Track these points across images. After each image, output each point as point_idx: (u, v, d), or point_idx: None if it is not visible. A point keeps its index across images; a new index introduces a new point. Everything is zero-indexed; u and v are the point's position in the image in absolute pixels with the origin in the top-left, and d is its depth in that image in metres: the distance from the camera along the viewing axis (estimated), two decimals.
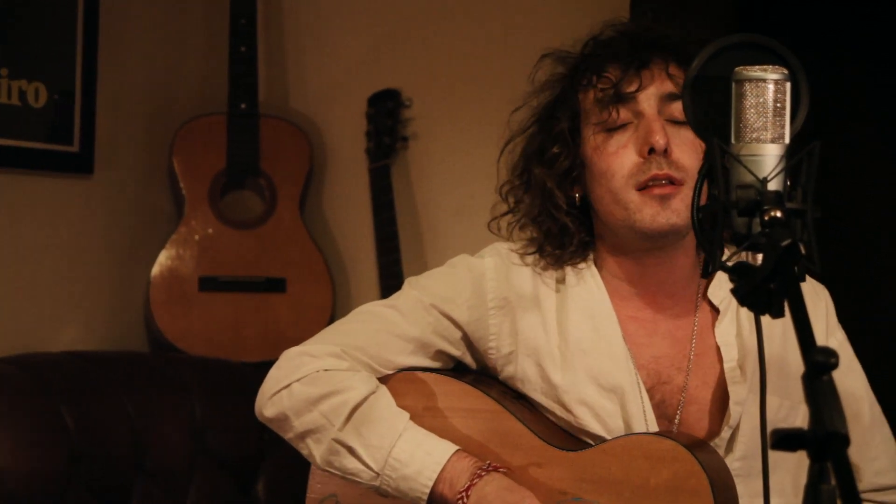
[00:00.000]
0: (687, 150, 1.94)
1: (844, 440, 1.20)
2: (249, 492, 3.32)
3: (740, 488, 1.92)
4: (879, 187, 3.13)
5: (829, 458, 1.21)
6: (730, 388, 1.98)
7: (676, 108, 1.95)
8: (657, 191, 1.92)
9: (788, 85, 1.55)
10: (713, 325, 2.02)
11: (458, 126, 3.72)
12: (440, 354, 2.06)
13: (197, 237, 3.63)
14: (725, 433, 1.97)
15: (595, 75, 1.99)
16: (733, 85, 1.55)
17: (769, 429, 1.93)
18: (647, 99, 1.96)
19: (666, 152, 1.92)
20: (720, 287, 2.02)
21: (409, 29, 3.80)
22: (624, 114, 1.96)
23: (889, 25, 3.10)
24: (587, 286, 2.02)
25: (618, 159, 1.95)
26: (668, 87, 1.96)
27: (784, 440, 1.22)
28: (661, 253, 1.99)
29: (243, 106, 3.63)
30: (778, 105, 1.54)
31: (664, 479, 1.87)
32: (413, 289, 2.06)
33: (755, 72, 1.54)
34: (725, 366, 1.99)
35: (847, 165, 3.03)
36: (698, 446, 1.92)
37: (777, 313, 1.43)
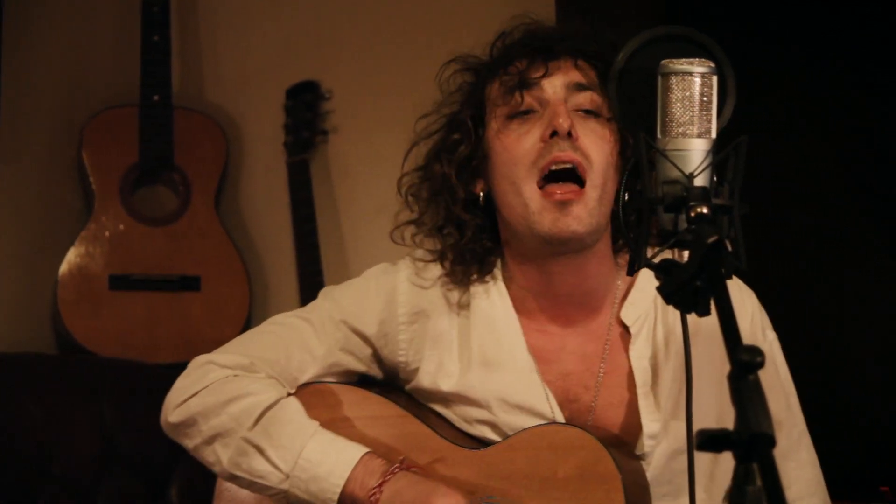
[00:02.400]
0: (594, 140, 1.90)
1: (770, 441, 1.18)
2: (162, 497, 3.28)
3: None
4: (807, 183, 3.15)
5: (754, 460, 1.19)
6: (643, 421, 1.94)
7: (584, 98, 1.91)
8: (558, 195, 1.88)
9: (715, 79, 1.54)
10: (626, 347, 1.98)
11: (379, 119, 3.70)
12: (345, 373, 2.04)
13: (107, 234, 3.57)
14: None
15: (502, 66, 1.96)
16: (659, 78, 1.54)
17: (679, 453, 1.91)
18: (553, 86, 1.92)
19: (571, 136, 1.88)
20: (634, 306, 1.98)
21: (328, 19, 3.76)
22: (528, 101, 1.92)
23: (816, 18, 3.12)
24: (491, 300, 1.99)
25: (519, 145, 1.91)
26: (576, 76, 1.93)
27: (709, 441, 1.20)
28: (568, 260, 1.94)
29: (156, 98, 3.58)
30: (704, 99, 1.53)
31: (571, 468, 1.87)
32: (327, 301, 2.04)
33: (681, 65, 1.53)
34: (638, 391, 1.95)
35: (775, 161, 3.04)
36: (606, 438, 1.91)
37: (703, 311, 1.42)
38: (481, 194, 1.98)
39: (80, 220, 3.59)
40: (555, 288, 1.96)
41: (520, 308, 1.98)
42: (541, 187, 1.89)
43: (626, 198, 1.58)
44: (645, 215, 1.51)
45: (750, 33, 3.13)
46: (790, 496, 1.97)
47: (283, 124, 3.72)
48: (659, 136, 1.53)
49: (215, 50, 3.80)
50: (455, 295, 2.00)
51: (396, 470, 1.90)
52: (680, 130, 1.52)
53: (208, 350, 2.04)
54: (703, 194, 1.49)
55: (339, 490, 1.90)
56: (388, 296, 2.01)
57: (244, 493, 2.00)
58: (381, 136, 3.67)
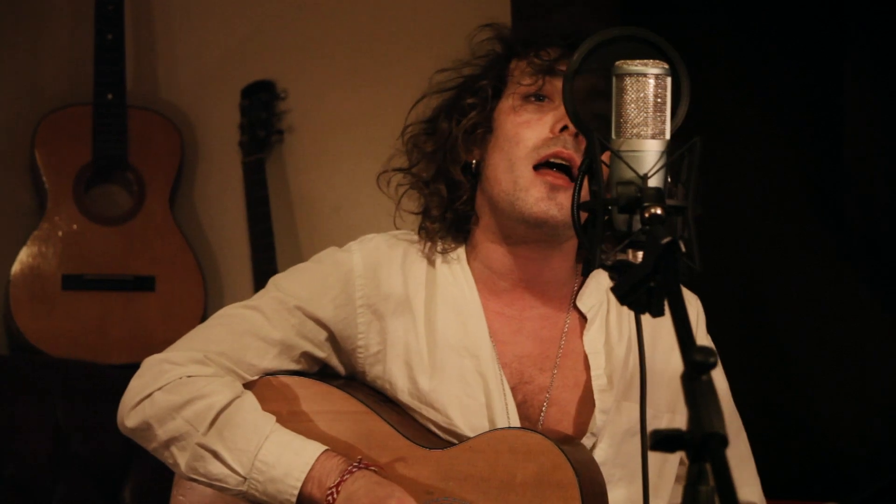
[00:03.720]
0: None
1: (723, 440, 1.19)
2: (115, 498, 3.26)
3: None
4: (758, 184, 3.18)
5: (707, 459, 1.19)
6: (596, 396, 1.97)
7: (597, 107, 1.92)
8: (550, 177, 1.91)
9: (669, 80, 1.54)
10: (581, 332, 2.01)
11: (335, 119, 3.69)
12: (305, 357, 2.01)
13: (60, 233, 3.54)
14: (588, 440, 1.96)
15: (533, 48, 1.98)
16: (613, 79, 1.54)
17: (631, 435, 1.93)
18: None
19: (577, 137, 1.91)
20: (590, 295, 2.01)
21: (284, 18, 3.74)
22: (549, 88, 1.94)
23: (769, 18, 3.14)
24: (457, 280, 2.00)
25: (528, 129, 1.94)
26: (600, 83, 1.95)
27: (663, 441, 1.21)
28: (537, 247, 1.97)
29: (110, 96, 3.56)
30: (658, 100, 1.53)
31: (530, 474, 1.87)
32: (277, 289, 2.02)
33: (635, 66, 1.53)
34: (592, 373, 1.98)
35: (728, 162, 3.06)
36: (566, 441, 1.92)
37: (657, 312, 1.42)
38: (474, 162, 1.99)
39: (33, 219, 3.57)
40: (518, 272, 1.98)
41: (482, 288, 2.00)
42: (535, 168, 1.92)
43: (581, 198, 1.58)
44: (599, 216, 1.52)
45: (704, 34, 3.15)
46: None
47: (239, 124, 3.70)
48: (613, 136, 1.53)
49: (170, 49, 3.78)
50: (420, 277, 1.99)
51: (354, 469, 1.89)
52: (634, 131, 1.52)
53: (163, 350, 2.02)
54: (658, 195, 1.49)
55: (296, 491, 1.89)
56: (345, 277, 1.99)
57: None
58: (337, 136, 3.67)
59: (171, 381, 1.94)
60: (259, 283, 3.57)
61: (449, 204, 1.99)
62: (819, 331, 3.11)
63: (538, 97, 1.95)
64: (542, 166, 1.92)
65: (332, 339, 2.00)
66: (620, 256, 1.51)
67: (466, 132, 1.98)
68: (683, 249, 1.48)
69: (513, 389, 1.97)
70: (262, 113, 3.66)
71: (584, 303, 2.01)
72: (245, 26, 3.76)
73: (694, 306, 2.06)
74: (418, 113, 2.04)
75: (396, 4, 3.67)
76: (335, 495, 1.87)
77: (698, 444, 1.19)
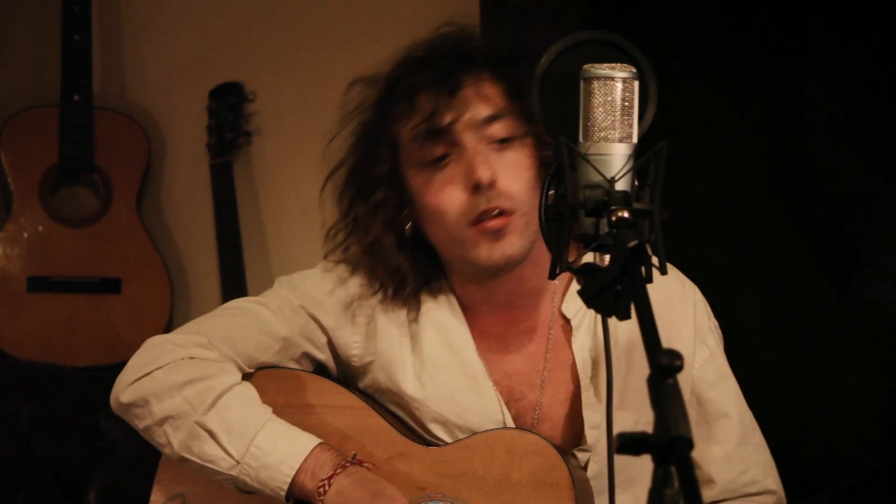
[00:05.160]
0: (513, 175, 1.91)
1: (688, 444, 1.19)
2: (81, 500, 3.22)
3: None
4: (723, 184, 3.19)
5: (673, 463, 1.20)
6: (584, 413, 1.97)
7: (497, 129, 1.91)
8: (490, 224, 1.89)
9: (636, 84, 1.55)
10: (568, 339, 2.01)
11: (303, 121, 3.68)
12: (305, 357, 2.03)
13: (26, 235, 3.52)
14: (582, 455, 1.97)
15: (407, 107, 1.94)
16: (581, 83, 1.55)
17: None
18: (465, 129, 1.91)
19: (492, 184, 1.89)
20: (574, 299, 2.00)
21: (253, 20, 3.74)
22: (442, 148, 1.92)
23: (737, 22, 3.16)
24: (439, 304, 2.01)
25: (446, 197, 1.91)
26: (484, 110, 1.92)
27: (628, 444, 1.22)
28: (505, 275, 1.96)
29: (76, 98, 3.54)
30: (626, 104, 1.54)
31: (525, 473, 1.88)
32: (283, 288, 2.04)
33: (603, 69, 1.54)
34: (581, 383, 1.98)
35: (693, 162, 3.07)
36: (560, 451, 1.92)
37: (623, 315, 1.42)
38: (408, 230, 1.97)
39: None
40: (496, 297, 1.99)
41: (465, 311, 2.00)
42: (472, 226, 1.91)
43: (548, 202, 1.59)
44: (566, 219, 1.52)
45: (669, 35, 3.17)
46: (750, 478, 2.03)
47: (207, 126, 3.69)
48: (581, 140, 1.54)
49: (138, 50, 3.76)
50: (404, 301, 2.00)
51: (347, 464, 1.90)
52: (601, 135, 1.53)
53: (129, 353, 2.02)
54: (625, 199, 1.50)
55: (289, 479, 1.89)
56: (344, 289, 2.01)
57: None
58: (305, 139, 3.65)
59: (174, 360, 1.95)
60: (226, 285, 3.57)
61: (402, 280, 1.98)
62: (784, 329, 3.13)
63: (438, 159, 1.92)
64: (477, 222, 1.90)
65: (331, 345, 2.03)
66: (587, 260, 1.52)
67: (388, 222, 1.96)
68: (650, 253, 1.48)
69: (506, 405, 1.98)
70: (229, 115, 3.66)
71: (568, 308, 2.01)
72: (213, 28, 3.75)
73: (691, 297, 2.05)
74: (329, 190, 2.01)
75: (364, 7, 3.66)
76: (327, 488, 1.88)
77: (664, 448, 1.19)
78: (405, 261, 1.98)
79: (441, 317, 2.00)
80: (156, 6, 3.77)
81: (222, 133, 3.66)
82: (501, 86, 1.93)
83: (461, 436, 1.96)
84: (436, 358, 1.98)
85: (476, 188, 1.89)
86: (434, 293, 2.01)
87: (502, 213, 1.89)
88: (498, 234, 1.90)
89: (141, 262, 3.59)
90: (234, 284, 3.54)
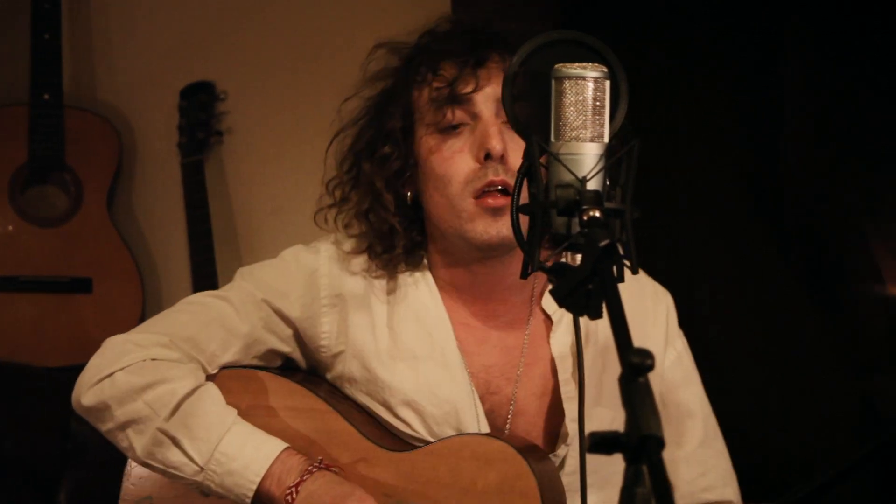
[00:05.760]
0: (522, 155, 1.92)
1: (659, 443, 1.19)
2: (52, 502, 3.20)
3: (571, 503, 1.91)
4: (696, 183, 3.20)
5: (644, 461, 1.20)
6: (565, 405, 1.97)
7: (536, 109, 1.92)
8: (491, 201, 1.90)
9: (608, 83, 1.55)
10: (548, 335, 2.01)
11: (275, 121, 3.68)
12: (270, 352, 2.01)
13: None
14: (561, 450, 1.97)
15: (430, 72, 1.95)
16: (553, 82, 1.55)
17: None
18: (484, 101, 1.92)
19: (502, 158, 1.90)
20: None
21: (224, 19, 3.72)
22: (459, 115, 1.93)
23: (708, 22, 3.17)
24: (420, 291, 1.99)
25: (454, 164, 1.92)
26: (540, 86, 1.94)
27: (600, 443, 1.22)
28: (493, 262, 1.96)
29: (46, 97, 3.51)
30: (597, 103, 1.54)
31: (492, 481, 1.87)
32: (245, 281, 2.01)
33: (574, 69, 1.54)
34: (560, 377, 1.98)
35: (666, 161, 3.08)
36: (530, 450, 1.91)
37: (595, 314, 1.43)
38: (409, 195, 1.98)
39: None
40: (479, 286, 1.98)
41: (445, 298, 1.99)
42: (475, 198, 1.91)
43: (520, 201, 1.59)
44: (538, 219, 1.52)
45: (640, 33, 3.18)
46: (709, 483, 2.03)
47: (178, 125, 3.67)
48: (552, 139, 1.54)
49: (108, 49, 3.74)
50: (382, 284, 1.99)
51: (314, 470, 1.88)
52: (573, 134, 1.53)
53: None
54: (596, 198, 1.50)
55: (254, 486, 1.88)
56: (309, 277, 1.99)
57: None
58: (276, 137, 3.66)
59: (135, 362, 1.92)
60: (198, 284, 3.56)
61: (393, 240, 1.98)
62: (754, 328, 3.15)
63: (452, 127, 1.93)
64: (480, 195, 1.91)
65: (297, 336, 2.00)
66: (559, 259, 1.52)
67: (390, 179, 1.97)
68: (622, 252, 1.49)
69: (480, 398, 1.97)
70: (201, 114, 3.64)
71: (549, 304, 2.01)
72: (184, 27, 3.73)
73: (664, 302, 2.06)
74: (336, 151, 2.01)
75: (336, 7, 3.65)
76: (294, 495, 1.86)
77: (635, 447, 1.20)
78: (399, 224, 1.96)
79: (421, 305, 1.98)
80: (126, 4, 3.75)
81: (194, 132, 3.64)
82: None
83: (434, 426, 1.95)
84: (413, 345, 1.97)
85: (487, 157, 1.89)
86: (414, 276, 1.99)
87: (506, 191, 1.89)
88: (497, 214, 1.90)
89: (112, 262, 3.57)
90: (205, 283, 3.52)
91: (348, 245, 2.00)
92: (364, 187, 1.98)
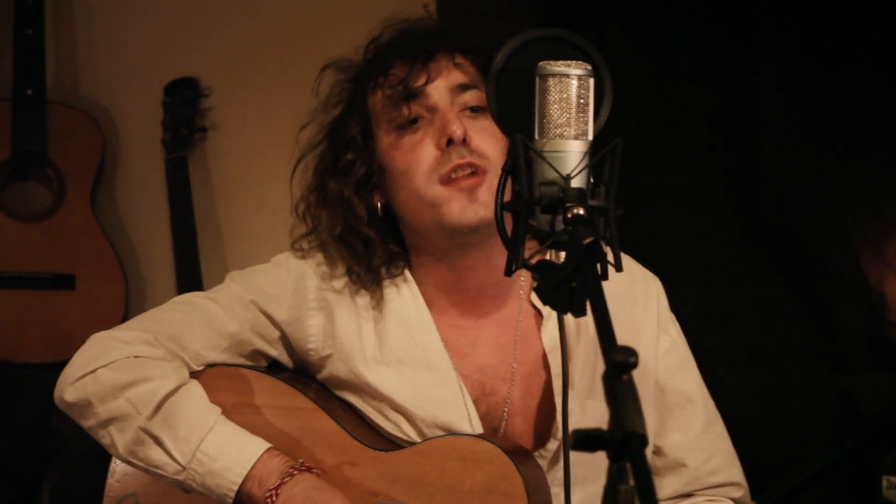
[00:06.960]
0: (487, 138, 1.91)
1: (642, 440, 1.20)
2: (32, 500, 3.19)
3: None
4: (675, 179, 3.21)
5: (627, 459, 1.20)
6: (558, 401, 1.95)
7: (470, 97, 1.93)
8: (463, 182, 1.89)
9: (592, 81, 1.55)
10: (539, 330, 2.00)
11: (260, 117, 3.67)
12: (256, 354, 2.01)
13: None
14: (552, 445, 1.96)
15: (381, 75, 1.95)
16: (537, 80, 1.55)
17: (590, 428, 1.94)
18: (438, 91, 1.93)
19: (465, 142, 1.89)
20: None
21: (208, 14, 3.72)
22: (416, 109, 1.92)
23: (691, 19, 3.18)
24: (403, 298, 1.98)
25: (415, 156, 1.91)
26: (458, 77, 1.94)
27: (583, 441, 1.22)
28: (475, 252, 1.95)
29: (29, 92, 3.50)
30: (581, 101, 1.54)
31: (478, 481, 1.87)
32: (235, 283, 2.01)
33: (558, 67, 1.54)
34: (552, 371, 1.97)
35: (646, 157, 3.09)
36: (518, 453, 1.91)
37: (579, 312, 1.43)
38: (379, 204, 1.97)
39: None
40: (465, 283, 1.97)
41: (432, 304, 1.98)
42: (444, 184, 1.90)
43: (504, 198, 1.59)
44: (522, 216, 1.53)
45: (623, 31, 3.18)
46: (714, 466, 2.03)
47: (162, 121, 3.66)
48: (536, 137, 1.54)
49: (92, 44, 3.73)
50: (366, 297, 1.98)
51: (295, 472, 1.88)
52: (557, 132, 1.53)
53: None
54: (580, 196, 1.50)
55: (235, 487, 1.88)
56: (298, 281, 1.98)
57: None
58: (261, 134, 3.65)
59: (118, 359, 1.91)
60: (182, 281, 3.55)
61: (371, 256, 1.97)
62: (734, 325, 3.16)
63: (410, 122, 1.93)
64: (448, 180, 1.90)
65: (284, 339, 2.00)
66: (543, 256, 1.52)
67: (358, 186, 1.96)
68: (605, 249, 1.49)
69: (475, 401, 1.96)
70: (185, 110, 3.63)
71: (537, 298, 1.99)
72: (168, 22, 3.72)
73: (653, 287, 2.05)
74: (300, 181, 2.00)
75: (320, 2, 3.65)
76: (274, 498, 1.86)
77: (619, 444, 1.20)
78: (375, 234, 1.96)
79: (404, 309, 1.98)
80: (110, 0, 3.74)
81: (177, 128, 3.63)
82: (474, 61, 1.95)
83: (424, 429, 1.94)
84: (399, 351, 1.96)
85: (449, 143, 1.89)
86: (397, 284, 1.98)
87: (475, 172, 1.89)
88: (472, 195, 1.88)
89: (95, 258, 3.56)
90: (189, 280, 3.51)
91: (329, 269, 1.99)
92: (333, 203, 1.97)
